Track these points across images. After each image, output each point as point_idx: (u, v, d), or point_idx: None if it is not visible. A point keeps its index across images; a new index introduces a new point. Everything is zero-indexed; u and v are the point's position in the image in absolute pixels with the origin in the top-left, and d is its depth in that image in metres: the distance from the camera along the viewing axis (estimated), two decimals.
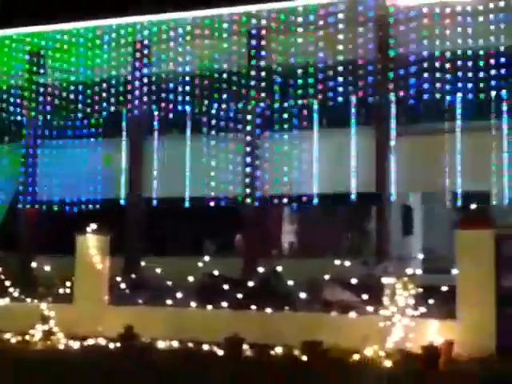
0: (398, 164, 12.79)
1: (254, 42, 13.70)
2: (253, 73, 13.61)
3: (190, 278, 11.44)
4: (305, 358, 9.48)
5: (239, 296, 10.98)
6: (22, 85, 15.42)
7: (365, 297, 10.24)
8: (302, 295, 10.73)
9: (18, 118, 15.42)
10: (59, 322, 11.25)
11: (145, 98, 14.37)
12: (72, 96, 14.89)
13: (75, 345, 10.86)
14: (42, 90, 15.23)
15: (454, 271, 9.84)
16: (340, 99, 13.06)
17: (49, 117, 15.12)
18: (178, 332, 10.73)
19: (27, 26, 14.47)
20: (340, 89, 13.05)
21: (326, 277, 10.86)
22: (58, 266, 12.25)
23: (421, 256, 11.50)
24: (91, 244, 11.94)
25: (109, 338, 10.82)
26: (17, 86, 15.53)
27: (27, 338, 11.18)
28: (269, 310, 10.74)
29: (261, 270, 11.49)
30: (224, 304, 10.97)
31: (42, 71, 15.31)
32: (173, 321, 10.99)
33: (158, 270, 11.67)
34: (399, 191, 13.04)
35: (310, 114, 13.35)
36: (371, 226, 14.90)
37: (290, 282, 11.04)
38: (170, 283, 11.60)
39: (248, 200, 13.46)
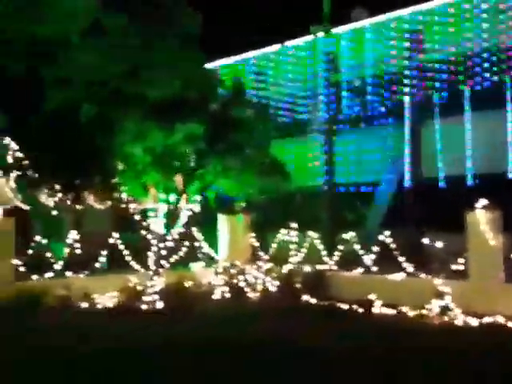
0: None
1: None
2: None
3: None
4: None
5: None
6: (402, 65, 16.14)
7: None
8: None
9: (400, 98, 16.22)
10: (455, 299, 11.51)
11: None
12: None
13: (473, 322, 10.97)
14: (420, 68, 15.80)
15: None
16: None
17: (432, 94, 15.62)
18: None
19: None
20: None
21: None
22: (447, 243, 12.55)
23: None
24: (482, 220, 11.84)
25: (507, 316, 10.67)
26: (397, 66, 16.31)
27: (423, 312, 11.67)
28: None
29: None
30: None
31: (422, 48, 15.84)
32: None
33: None
34: None
35: None
36: None
37: None
38: None
39: None
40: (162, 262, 13.62)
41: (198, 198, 14.89)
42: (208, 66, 17.83)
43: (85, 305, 12.84)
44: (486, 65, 14.61)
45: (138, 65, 14.53)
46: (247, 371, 8.02)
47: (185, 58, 15.30)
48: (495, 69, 14.43)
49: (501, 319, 10.78)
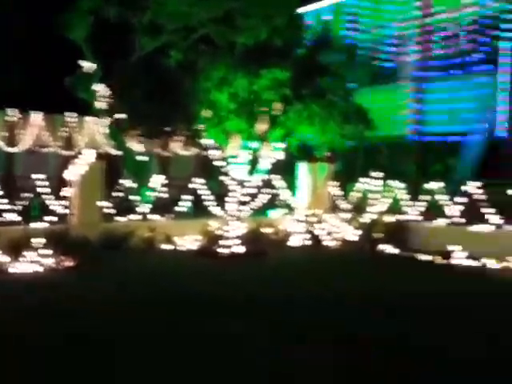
0: None
1: None
2: None
3: None
4: None
5: None
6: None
7: None
8: None
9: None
10: None
11: None
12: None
13: None
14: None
15: None
16: None
17: None
18: None
19: None
20: None
21: None
22: None
23: None
24: None
25: None
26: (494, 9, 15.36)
27: (506, 264, 11.32)
28: None
29: None
30: None
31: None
32: None
33: None
34: None
35: None
36: None
37: None
38: None
39: None
40: (243, 208, 13.76)
41: (281, 145, 14.83)
42: (299, 10, 17.48)
43: (168, 247, 13.24)
44: None
45: (228, 12, 14.52)
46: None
47: (276, 4, 15.10)
48: None
49: None
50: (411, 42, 16.84)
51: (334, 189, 15.37)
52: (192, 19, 14.80)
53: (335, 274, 10.85)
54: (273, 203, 14.99)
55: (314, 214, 14.77)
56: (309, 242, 14.19)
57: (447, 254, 12.10)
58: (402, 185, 14.25)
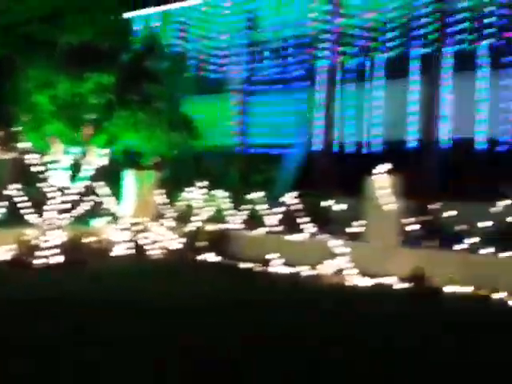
0: None
1: None
2: None
3: (484, 224, 10.96)
4: None
5: None
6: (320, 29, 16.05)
7: None
8: None
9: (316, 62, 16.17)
10: (352, 259, 11.76)
11: None
12: None
13: (363, 282, 11.23)
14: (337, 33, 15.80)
15: None
16: None
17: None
18: (468, 278, 10.40)
19: None
20: None
21: None
22: (350, 206, 12.77)
23: None
24: (382, 185, 12.05)
25: (399, 277, 11.00)
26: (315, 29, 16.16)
27: (318, 271, 11.89)
28: None
29: None
30: None
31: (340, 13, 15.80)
32: (464, 266, 10.67)
33: (450, 214, 11.42)
34: None
35: None
36: None
37: None
38: (461, 228, 11.25)
39: None
40: (63, 216, 13.23)
41: (105, 151, 14.51)
42: (127, 15, 17.27)
43: None
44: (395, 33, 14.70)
45: (51, 10, 14.00)
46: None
47: (100, 5, 14.82)
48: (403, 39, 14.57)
49: (391, 280, 11.08)
50: (237, 55, 17.31)
51: (160, 197, 15.30)
52: (11, 16, 14.05)
53: (151, 283, 10.82)
54: (96, 211, 14.56)
55: (138, 222, 14.58)
56: (132, 251, 13.98)
57: (265, 262, 12.55)
58: (226, 194, 14.56)
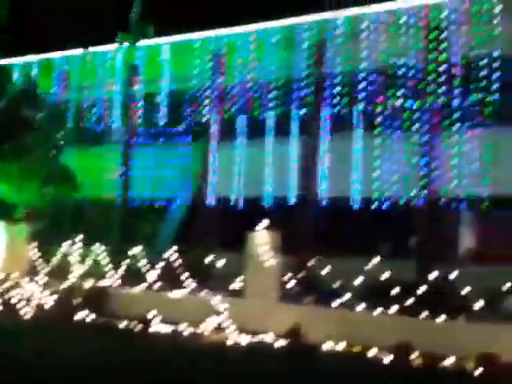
0: None
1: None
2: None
3: (359, 280, 11.27)
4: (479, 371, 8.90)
5: (410, 301, 10.57)
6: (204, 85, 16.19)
7: None
8: (479, 305, 10.06)
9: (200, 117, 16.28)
10: (231, 316, 11.65)
11: None
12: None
13: (244, 339, 11.14)
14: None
15: None
16: None
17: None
18: (344, 334, 10.60)
19: None
20: None
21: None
22: (232, 262, 12.74)
23: None
24: (261, 241, 12.15)
25: (276, 334, 11.00)
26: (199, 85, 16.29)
27: (199, 329, 11.68)
28: (441, 319, 10.21)
29: (434, 275, 10.95)
30: (394, 308, 10.63)
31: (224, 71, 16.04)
32: (340, 322, 10.87)
33: (327, 271, 11.67)
34: None
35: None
36: None
37: (466, 290, 10.42)
38: (338, 284, 11.51)
39: (422, 201, 13.03)
40: None
41: None
42: (4, 62, 16.71)
43: None
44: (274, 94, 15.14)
45: None
46: None
47: None
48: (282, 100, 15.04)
49: (270, 337, 11.06)
50: (119, 107, 17.11)
51: (33, 251, 14.55)
52: None
53: (20, 346, 10.11)
54: None
55: (8, 278, 13.75)
56: (0, 309, 13.12)
57: (146, 320, 12.17)
58: (105, 248, 14.10)
